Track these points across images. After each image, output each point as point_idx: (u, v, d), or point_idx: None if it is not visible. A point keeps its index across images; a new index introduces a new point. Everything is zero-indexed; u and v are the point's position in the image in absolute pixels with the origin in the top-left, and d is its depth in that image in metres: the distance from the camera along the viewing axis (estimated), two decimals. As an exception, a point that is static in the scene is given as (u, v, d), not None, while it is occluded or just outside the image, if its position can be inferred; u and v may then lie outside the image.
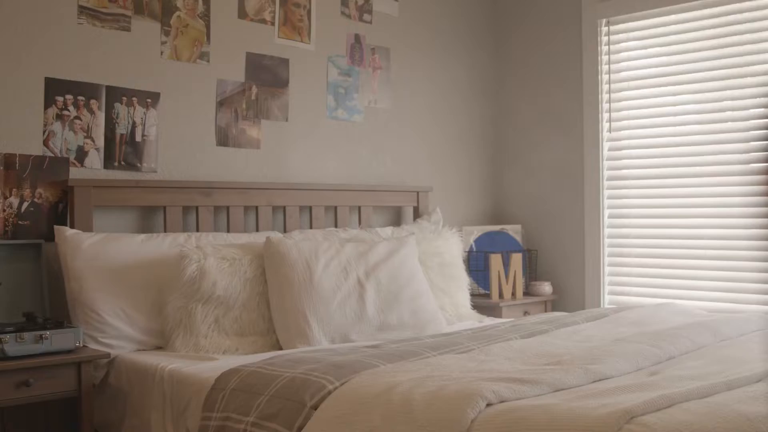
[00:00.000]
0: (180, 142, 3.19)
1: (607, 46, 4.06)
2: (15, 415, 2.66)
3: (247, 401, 2.07)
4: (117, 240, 2.82)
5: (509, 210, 4.48)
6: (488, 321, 3.40)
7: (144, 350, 2.75)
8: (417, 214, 3.95)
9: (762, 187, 3.55)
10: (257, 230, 3.30)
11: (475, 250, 4.07)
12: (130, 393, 2.59)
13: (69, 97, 2.88)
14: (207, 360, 2.56)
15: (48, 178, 2.82)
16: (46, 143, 2.83)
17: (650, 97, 3.91)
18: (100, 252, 2.73)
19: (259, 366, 2.22)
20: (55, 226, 2.76)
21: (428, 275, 3.36)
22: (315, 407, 1.91)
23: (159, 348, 2.78)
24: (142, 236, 2.89)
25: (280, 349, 2.74)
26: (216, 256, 2.79)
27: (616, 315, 2.83)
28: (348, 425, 1.79)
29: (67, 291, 2.72)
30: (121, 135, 3.02)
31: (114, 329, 2.71)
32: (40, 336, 2.40)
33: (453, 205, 4.24)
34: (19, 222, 2.76)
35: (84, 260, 2.70)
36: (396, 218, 3.97)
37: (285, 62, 3.52)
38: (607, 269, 4.08)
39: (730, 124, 3.68)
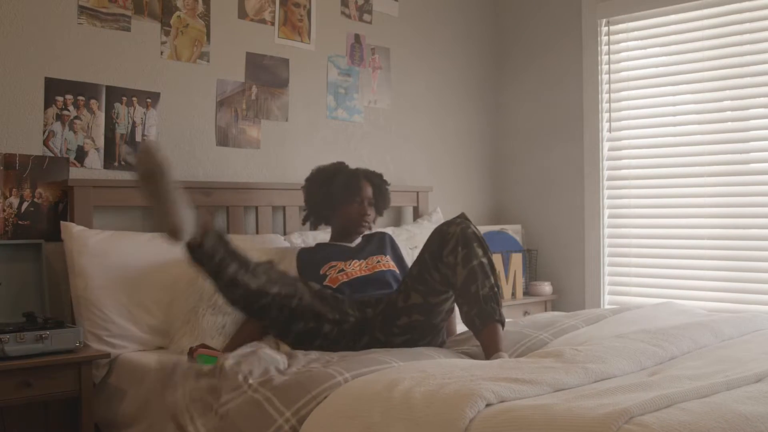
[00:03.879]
0: (180, 142, 3.19)
1: (607, 46, 4.06)
2: (15, 415, 2.67)
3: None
4: (123, 237, 2.82)
5: (509, 210, 4.48)
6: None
7: (145, 350, 2.74)
8: (417, 214, 3.95)
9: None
10: (257, 231, 3.30)
11: (475, 250, 4.07)
12: (135, 395, 2.57)
13: (69, 97, 2.88)
14: None
15: (48, 178, 2.82)
16: (46, 143, 2.83)
17: (650, 97, 3.92)
18: (106, 249, 2.74)
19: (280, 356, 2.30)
20: (62, 222, 2.76)
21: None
22: (323, 395, 1.93)
23: (160, 348, 2.77)
24: (149, 234, 2.89)
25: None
26: None
27: (615, 317, 2.81)
28: (349, 419, 1.80)
29: (71, 288, 2.72)
30: (121, 135, 3.02)
31: (117, 327, 2.70)
32: (40, 336, 2.40)
33: (453, 205, 4.24)
34: (19, 222, 2.76)
35: (90, 257, 2.70)
36: (396, 218, 3.97)
37: (285, 62, 3.52)
38: (607, 269, 4.09)
39: (730, 124, 3.68)
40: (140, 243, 2.84)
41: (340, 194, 2.87)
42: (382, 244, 2.95)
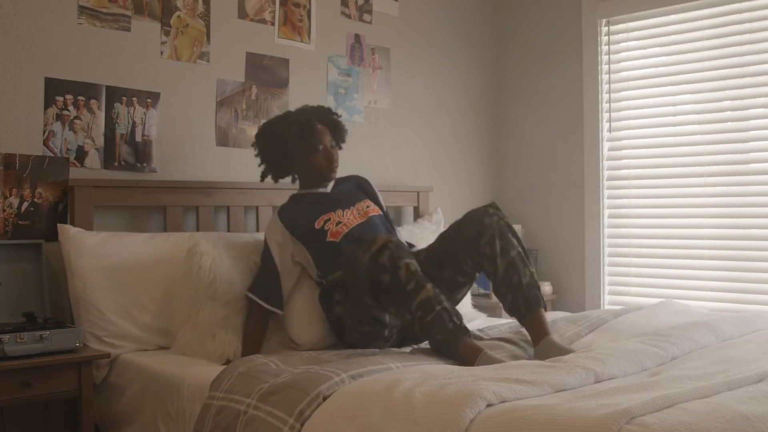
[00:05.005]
0: (180, 142, 3.19)
1: (607, 46, 4.06)
2: (15, 415, 2.66)
3: (250, 384, 2.10)
4: (120, 238, 2.82)
5: (509, 210, 4.47)
6: (489, 321, 3.39)
7: (146, 350, 2.74)
8: (417, 214, 3.95)
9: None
10: (257, 230, 3.30)
11: (475, 250, 4.06)
12: (134, 396, 2.57)
13: (69, 97, 2.88)
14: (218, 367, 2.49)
15: (48, 178, 2.82)
16: (46, 143, 2.83)
17: (650, 97, 3.92)
18: (103, 250, 2.73)
19: (272, 359, 2.28)
20: (59, 225, 2.76)
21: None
22: (325, 397, 1.93)
23: (162, 348, 2.76)
24: (146, 235, 2.89)
25: (290, 348, 2.70)
26: (229, 254, 2.75)
27: (616, 320, 2.80)
28: (349, 419, 1.80)
29: (69, 289, 2.72)
30: (121, 135, 3.02)
31: (117, 327, 2.69)
32: (40, 336, 2.39)
33: (453, 205, 4.24)
34: (19, 222, 2.76)
35: (87, 258, 2.69)
36: (396, 218, 3.97)
37: (285, 62, 3.52)
38: (607, 269, 4.09)
39: (730, 124, 3.68)
40: (136, 243, 2.83)
41: (299, 146, 2.79)
42: (360, 187, 2.98)
